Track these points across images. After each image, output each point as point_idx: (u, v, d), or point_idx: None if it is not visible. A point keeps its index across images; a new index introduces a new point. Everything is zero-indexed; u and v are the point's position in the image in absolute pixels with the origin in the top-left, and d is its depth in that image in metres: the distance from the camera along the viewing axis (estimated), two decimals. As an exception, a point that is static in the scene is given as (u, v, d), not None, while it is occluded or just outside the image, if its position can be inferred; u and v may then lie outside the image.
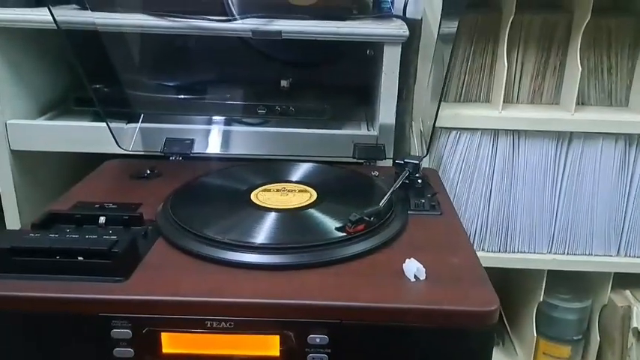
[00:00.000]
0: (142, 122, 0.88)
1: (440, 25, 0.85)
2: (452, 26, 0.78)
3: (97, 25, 0.83)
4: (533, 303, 1.16)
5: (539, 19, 1.03)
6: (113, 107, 0.89)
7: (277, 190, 0.69)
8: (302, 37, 0.82)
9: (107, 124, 0.82)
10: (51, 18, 0.74)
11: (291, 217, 0.63)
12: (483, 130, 1.04)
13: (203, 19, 0.82)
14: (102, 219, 0.62)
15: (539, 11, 1.04)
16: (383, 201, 0.62)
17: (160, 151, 0.86)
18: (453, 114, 1.02)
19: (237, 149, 0.87)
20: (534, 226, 1.09)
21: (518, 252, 1.10)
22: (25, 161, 0.94)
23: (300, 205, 0.65)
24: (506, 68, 1.02)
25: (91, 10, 0.82)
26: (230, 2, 0.83)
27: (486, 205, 1.09)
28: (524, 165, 1.07)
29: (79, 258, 0.54)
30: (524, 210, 1.08)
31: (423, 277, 0.53)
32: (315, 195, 0.68)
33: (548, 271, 1.11)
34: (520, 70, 1.08)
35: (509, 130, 1.05)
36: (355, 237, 0.58)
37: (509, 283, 1.26)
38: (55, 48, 0.99)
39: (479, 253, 1.09)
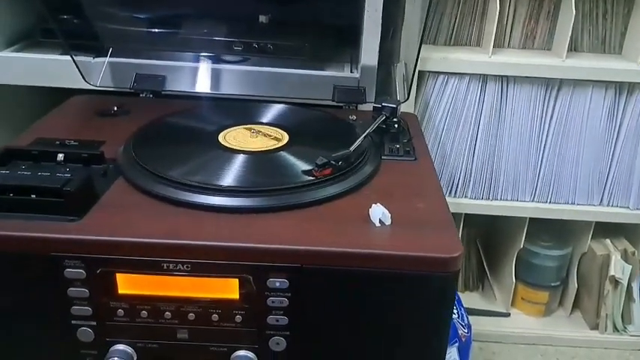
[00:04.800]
0: (110, 56, 0.84)
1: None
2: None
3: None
4: (514, 249, 1.17)
5: (533, -41, 0.99)
6: (80, 40, 0.85)
7: (246, 131, 0.66)
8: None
9: (72, 58, 0.78)
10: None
11: (257, 160, 0.61)
12: (472, 75, 1.02)
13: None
14: (60, 156, 0.59)
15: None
16: (354, 146, 0.59)
17: (130, 87, 0.82)
18: (441, 57, 0.99)
19: (211, 88, 0.83)
20: (518, 174, 1.08)
21: (501, 199, 1.10)
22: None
23: (269, 148, 0.63)
24: (498, 11, 0.99)
25: None
26: None
27: (471, 152, 1.07)
28: (512, 112, 1.05)
29: (33, 196, 0.51)
30: (509, 158, 1.07)
31: (388, 222, 0.52)
32: (286, 137, 0.65)
33: (530, 218, 1.11)
34: (513, 13, 1.04)
35: (498, 75, 1.02)
36: (322, 181, 0.56)
37: (491, 229, 1.27)
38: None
39: (462, 200, 1.09)
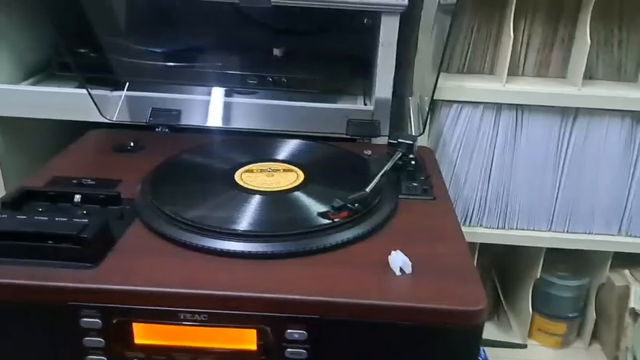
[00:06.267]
0: (127, 90, 0.84)
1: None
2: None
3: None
4: (531, 279, 1.14)
5: (548, -13, 0.98)
6: (97, 73, 0.85)
7: (262, 170, 0.66)
8: (293, 3, 0.77)
9: (88, 92, 0.78)
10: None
11: (274, 201, 0.60)
12: (486, 103, 1.01)
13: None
14: (77, 197, 0.59)
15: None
16: (370, 186, 0.58)
17: (146, 122, 0.82)
18: (455, 86, 0.98)
19: (226, 122, 0.83)
20: (534, 203, 1.06)
21: (517, 229, 1.08)
22: (10, 127, 0.91)
23: (285, 188, 0.62)
24: (512, 39, 0.98)
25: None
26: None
27: (486, 181, 1.06)
28: (527, 141, 1.03)
29: (49, 242, 0.51)
30: (524, 186, 1.05)
31: (408, 270, 0.51)
32: (301, 176, 0.65)
33: (547, 247, 1.09)
34: (527, 42, 1.03)
35: (513, 104, 1.01)
36: (339, 225, 0.55)
37: (507, 258, 1.25)
38: (42, 7, 0.94)
39: (477, 229, 1.08)
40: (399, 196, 0.64)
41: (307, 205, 0.60)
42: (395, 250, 0.52)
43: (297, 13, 0.79)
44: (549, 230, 1.08)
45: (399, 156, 0.66)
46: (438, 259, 0.53)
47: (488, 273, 1.24)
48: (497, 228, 1.08)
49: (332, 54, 0.88)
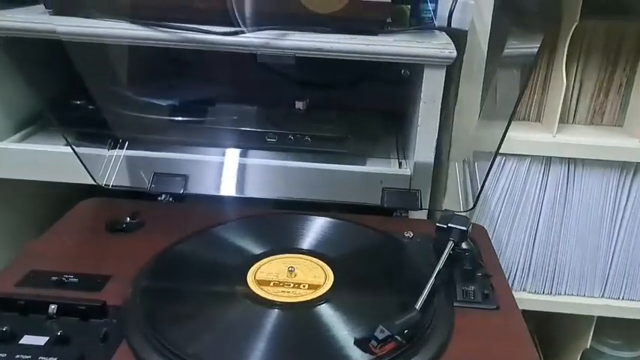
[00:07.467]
0: (126, 149, 0.73)
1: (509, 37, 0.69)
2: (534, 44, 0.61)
3: (76, 34, 0.68)
4: (579, 348, 1.04)
5: (603, 27, 0.86)
6: (92, 129, 0.74)
7: (282, 266, 0.54)
8: (321, 55, 0.66)
9: (75, 153, 0.67)
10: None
11: (296, 321, 0.48)
12: (533, 156, 0.89)
13: (203, 31, 0.66)
14: (52, 307, 0.48)
15: (605, 17, 0.86)
16: (420, 302, 0.46)
17: (147, 190, 0.71)
18: (492, 136, 0.86)
19: (239, 189, 0.71)
20: (586, 267, 0.96)
21: (565, 294, 0.97)
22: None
23: (310, 299, 0.50)
24: (564, 85, 0.86)
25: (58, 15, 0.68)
26: (236, 10, 0.67)
27: (531, 241, 0.95)
28: (579, 198, 0.92)
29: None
30: (575, 248, 0.95)
31: None
32: (330, 275, 0.53)
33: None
34: (579, 86, 0.92)
35: (564, 157, 0.89)
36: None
37: (553, 325, 1.13)
38: (35, 55, 0.83)
39: (520, 294, 0.96)
40: (454, 304, 0.52)
41: (340, 330, 0.47)
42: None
43: (321, 63, 0.68)
44: (602, 297, 0.96)
45: (451, 248, 0.54)
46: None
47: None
48: (543, 293, 0.97)
49: (362, 108, 0.77)
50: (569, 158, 0.89)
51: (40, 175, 0.77)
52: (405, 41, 0.68)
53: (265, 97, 0.78)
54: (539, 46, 0.59)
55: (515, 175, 0.91)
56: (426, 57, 0.66)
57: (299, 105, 0.76)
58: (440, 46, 0.67)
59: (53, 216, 0.69)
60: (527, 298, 0.97)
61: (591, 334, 1.00)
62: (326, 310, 0.49)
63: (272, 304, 0.49)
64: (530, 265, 0.96)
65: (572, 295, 0.97)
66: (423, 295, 0.47)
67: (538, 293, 0.97)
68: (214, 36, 0.66)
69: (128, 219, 0.65)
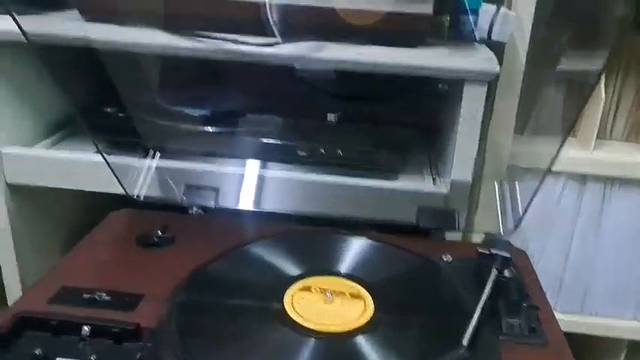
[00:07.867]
0: (158, 160, 0.72)
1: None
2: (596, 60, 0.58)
3: (110, 42, 0.67)
4: (610, 371, 1.00)
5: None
6: (123, 138, 0.74)
7: (320, 292, 0.52)
8: (360, 68, 0.65)
9: (107, 164, 0.66)
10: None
11: (333, 354, 0.47)
12: (569, 174, 0.87)
13: (238, 42, 0.65)
14: (86, 330, 0.47)
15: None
16: (467, 337, 0.44)
17: (179, 202, 0.70)
18: (531, 152, 0.84)
19: (271, 203, 0.70)
20: (620, 288, 0.92)
21: (597, 315, 0.94)
22: (25, 195, 0.80)
23: (348, 330, 0.48)
24: (603, 101, 0.84)
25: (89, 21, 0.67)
26: (272, 21, 0.65)
27: (563, 260, 0.93)
28: (615, 218, 0.89)
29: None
30: (609, 269, 0.92)
31: None
32: (370, 303, 0.51)
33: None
34: (617, 102, 0.89)
35: (601, 175, 0.87)
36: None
37: (581, 349, 1.09)
38: (68, 61, 0.83)
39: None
40: (500, 338, 0.49)
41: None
42: None
43: (355, 75, 0.67)
44: (636, 319, 0.93)
45: (495, 277, 0.52)
46: None
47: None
48: (574, 313, 0.94)
49: (394, 122, 0.75)
50: (607, 177, 0.87)
51: (69, 184, 0.76)
52: (446, 55, 0.66)
53: (296, 109, 0.76)
54: (603, 63, 0.57)
55: (550, 193, 0.89)
56: (468, 71, 0.64)
57: (330, 117, 0.74)
58: (482, 60, 0.65)
59: (81, 222, 0.68)
60: (558, 318, 0.94)
61: (623, 358, 0.97)
62: (366, 347, 0.47)
63: (308, 332, 0.47)
64: (561, 284, 0.94)
65: (605, 316, 0.95)
66: (469, 329, 0.45)
67: (568, 313, 0.95)
68: (251, 47, 0.65)
69: (159, 232, 0.64)
